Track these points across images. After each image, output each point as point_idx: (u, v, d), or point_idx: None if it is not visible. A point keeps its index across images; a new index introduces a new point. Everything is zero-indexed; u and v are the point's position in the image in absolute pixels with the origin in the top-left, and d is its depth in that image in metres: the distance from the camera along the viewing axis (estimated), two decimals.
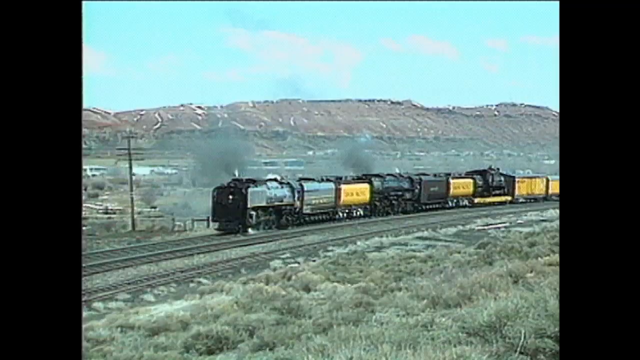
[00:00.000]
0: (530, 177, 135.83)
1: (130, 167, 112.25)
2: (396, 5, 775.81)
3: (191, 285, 46.65)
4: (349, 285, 34.93)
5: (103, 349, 25.94)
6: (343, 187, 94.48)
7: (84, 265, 58.15)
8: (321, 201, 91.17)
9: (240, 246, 68.75)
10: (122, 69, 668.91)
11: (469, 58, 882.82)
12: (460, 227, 78.59)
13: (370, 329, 18.59)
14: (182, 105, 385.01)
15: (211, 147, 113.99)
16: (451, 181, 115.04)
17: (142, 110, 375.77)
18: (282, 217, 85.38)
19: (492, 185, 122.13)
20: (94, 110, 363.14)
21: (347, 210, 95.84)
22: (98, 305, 41.63)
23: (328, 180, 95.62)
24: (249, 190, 79.32)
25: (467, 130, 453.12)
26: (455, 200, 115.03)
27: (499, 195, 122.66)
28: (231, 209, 78.68)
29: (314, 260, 54.13)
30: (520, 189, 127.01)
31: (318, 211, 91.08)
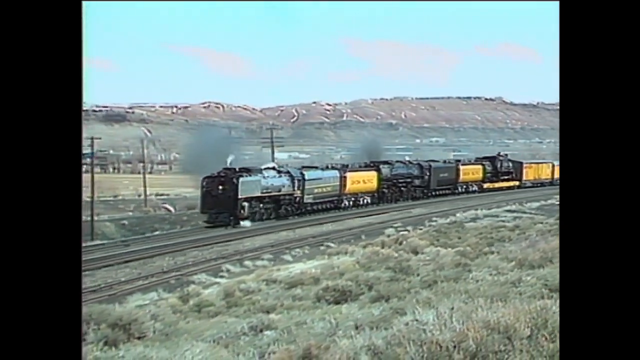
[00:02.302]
0: (537, 163, 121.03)
1: (273, 152, 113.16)
2: (488, 15, 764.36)
3: (321, 248, 46.67)
4: (450, 249, 34.63)
5: (252, 298, 26.25)
6: (349, 174, 77.86)
7: (236, 231, 58.98)
8: (324, 190, 74.24)
9: (360, 217, 68.78)
10: (266, 72, 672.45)
11: (551, 61, 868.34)
12: (543, 202, 76.05)
13: (468, 285, 18.49)
14: (314, 102, 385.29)
15: (337, 136, 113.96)
16: (461, 167, 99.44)
17: (282, 107, 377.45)
18: (281, 207, 68.78)
19: (500, 171, 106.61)
20: (244, 107, 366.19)
21: (353, 199, 79.13)
22: (248, 263, 41.96)
23: (333, 168, 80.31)
24: (240, 180, 62.91)
25: (549, 122, 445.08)
26: (464, 186, 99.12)
27: (507, 180, 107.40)
28: (221, 200, 62.42)
29: (420, 229, 53.67)
30: (528, 174, 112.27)
31: (321, 200, 74.20)
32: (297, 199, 70.54)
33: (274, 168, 71.48)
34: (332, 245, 47.24)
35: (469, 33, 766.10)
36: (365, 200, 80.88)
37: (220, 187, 62.62)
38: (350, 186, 77.60)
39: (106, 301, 29.24)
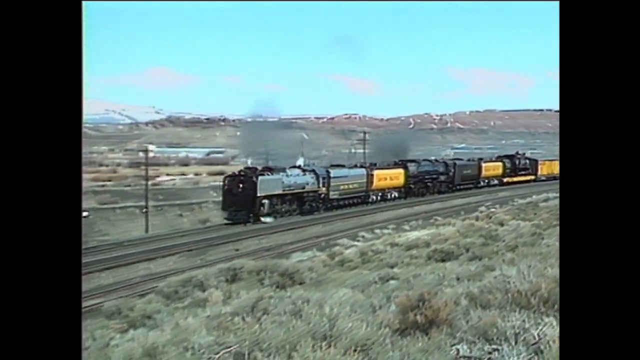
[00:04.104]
0: (550, 160, 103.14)
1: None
2: (556, 48, 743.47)
3: (430, 220, 46.40)
4: (527, 222, 33.90)
5: (380, 256, 26.28)
6: (375, 172, 63.94)
7: (370, 208, 58.90)
8: (350, 186, 60.25)
9: (460, 198, 67.82)
10: (391, 91, 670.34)
11: None
12: None
13: (541, 249, 18.05)
14: (426, 114, 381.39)
15: (443, 139, 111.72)
16: (483, 165, 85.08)
17: (402, 117, 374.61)
18: (305, 203, 54.71)
19: (518, 167, 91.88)
20: (374, 117, 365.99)
21: (380, 194, 64.94)
22: (377, 231, 42.08)
23: (362, 166, 65.80)
24: (260, 178, 49.94)
25: None
26: (486, 181, 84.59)
27: (525, 175, 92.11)
28: (240, 198, 49.21)
29: (505, 207, 52.76)
30: (542, 170, 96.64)
31: (347, 196, 60.07)
32: (322, 195, 56.76)
33: (299, 167, 58.34)
34: (439, 218, 46.83)
35: (541, 62, 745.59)
36: (392, 195, 66.86)
37: (240, 186, 49.73)
38: (377, 183, 64.02)
39: (277, 257, 29.84)
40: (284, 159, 69.44)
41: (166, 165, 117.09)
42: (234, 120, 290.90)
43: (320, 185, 56.05)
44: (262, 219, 49.56)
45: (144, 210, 56.51)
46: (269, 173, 51.88)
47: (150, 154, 71.03)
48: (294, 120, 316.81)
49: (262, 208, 49.79)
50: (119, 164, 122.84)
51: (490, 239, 26.54)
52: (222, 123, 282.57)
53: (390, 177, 66.53)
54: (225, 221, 49.99)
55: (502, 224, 35.35)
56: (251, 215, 49.17)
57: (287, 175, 53.08)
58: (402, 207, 59.42)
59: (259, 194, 49.19)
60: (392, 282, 15.74)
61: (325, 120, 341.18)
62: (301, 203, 54.38)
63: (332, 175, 57.74)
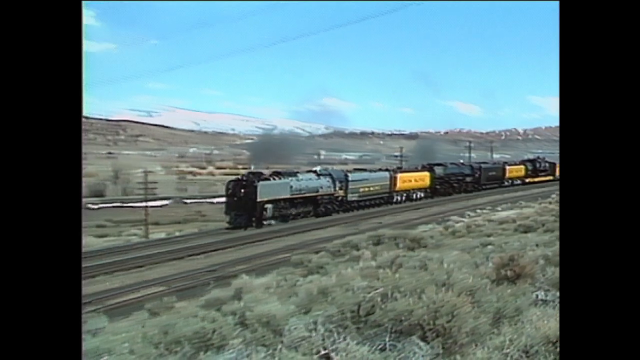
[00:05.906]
0: None
1: (492, 154, 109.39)
2: None
3: (516, 204, 44.49)
4: None
5: (480, 228, 25.63)
6: (399, 175, 50.32)
7: (469, 195, 56.89)
8: (372, 188, 46.38)
9: (537, 188, 63.70)
10: (488, 113, 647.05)
11: None
12: None
13: None
14: (514, 128, 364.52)
15: (525, 147, 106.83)
16: (507, 167, 70.97)
17: (496, 130, 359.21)
18: (320, 205, 41.10)
19: (539, 169, 76.41)
20: (476, 131, 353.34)
21: (405, 194, 50.63)
22: (478, 211, 40.76)
23: (387, 170, 51.91)
24: (260, 183, 36.54)
25: None
26: (510, 181, 69.20)
27: (544, 176, 75.60)
28: (242, 202, 36.07)
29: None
30: (560, 171, 71.05)
31: (368, 197, 46.16)
32: (340, 197, 43.23)
33: (315, 172, 43.90)
34: (522, 202, 44.82)
35: None
36: (418, 195, 52.47)
37: (242, 191, 36.55)
38: (400, 184, 50.14)
39: (406, 228, 29.70)
40: (413, 159, 68.73)
41: (332, 164, 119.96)
42: (378, 134, 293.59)
43: (337, 188, 42.81)
44: (266, 222, 36.84)
45: None
46: (276, 178, 38.75)
47: (322, 157, 72.42)
48: (420, 133, 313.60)
49: (264, 212, 36.79)
50: (300, 164, 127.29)
51: (558, 217, 25.23)
52: (370, 136, 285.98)
53: (415, 179, 52.96)
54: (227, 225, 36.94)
55: None
56: (253, 219, 36.21)
57: (297, 180, 39.88)
58: (496, 194, 56.94)
59: (259, 199, 36.31)
60: (489, 246, 15.33)
61: (442, 133, 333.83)
62: (315, 205, 41.13)
63: (350, 178, 44.62)
